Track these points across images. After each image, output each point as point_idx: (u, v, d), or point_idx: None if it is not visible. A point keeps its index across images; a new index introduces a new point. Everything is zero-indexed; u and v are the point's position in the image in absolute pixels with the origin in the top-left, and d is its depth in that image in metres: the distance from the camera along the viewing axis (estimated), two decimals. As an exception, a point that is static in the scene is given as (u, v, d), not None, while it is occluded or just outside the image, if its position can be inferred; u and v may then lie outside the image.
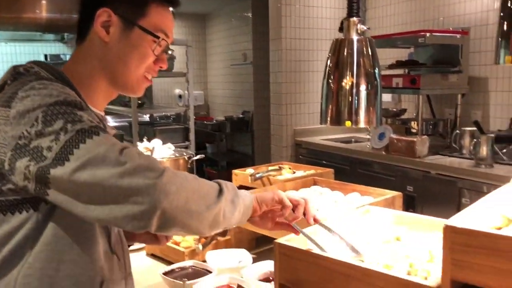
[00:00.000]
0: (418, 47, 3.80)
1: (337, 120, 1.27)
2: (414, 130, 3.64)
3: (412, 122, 3.70)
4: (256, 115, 5.84)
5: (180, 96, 6.61)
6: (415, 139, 3.28)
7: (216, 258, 1.49)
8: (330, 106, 1.28)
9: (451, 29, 3.62)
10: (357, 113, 1.24)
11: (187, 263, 1.46)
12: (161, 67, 1.05)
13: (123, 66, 0.99)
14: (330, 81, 1.27)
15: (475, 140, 2.98)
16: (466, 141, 3.25)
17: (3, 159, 0.81)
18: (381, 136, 3.59)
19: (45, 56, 5.69)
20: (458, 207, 3.01)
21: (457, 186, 2.98)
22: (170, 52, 1.06)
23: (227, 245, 1.62)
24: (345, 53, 1.25)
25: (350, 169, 3.78)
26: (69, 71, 0.98)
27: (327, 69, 1.29)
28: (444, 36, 3.43)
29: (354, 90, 1.23)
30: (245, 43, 5.96)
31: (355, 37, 1.26)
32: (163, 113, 6.00)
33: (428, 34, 3.27)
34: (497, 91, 3.49)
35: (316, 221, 1.13)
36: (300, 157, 4.39)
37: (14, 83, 0.88)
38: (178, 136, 4.11)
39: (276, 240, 1.14)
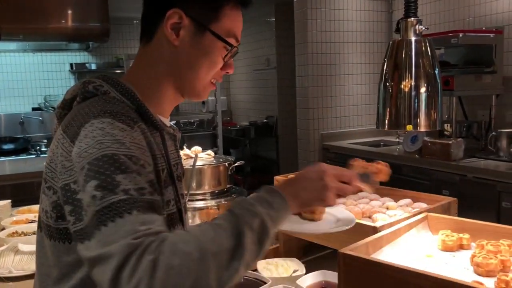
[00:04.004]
0: (448, 48, 3.72)
1: (397, 124, 1.23)
2: (447, 133, 3.56)
3: (445, 125, 3.62)
4: (280, 120, 5.81)
5: (203, 102, 6.60)
6: (450, 142, 3.21)
7: (268, 268, 1.45)
8: (388, 110, 1.23)
9: (484, 28, 3.54)
10: (418, 116, 1.20)
11: (239, 273, 1.43)
12: (227, 72, 1.00)
13: (192, 72, 0.94)
14: (387, 84, 1.23)
15: (515, 142, 2.90)
16: (503, 143, 3.17)
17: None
18: (414, 139, 3.52)
19: (71, 65, 5.75)
20: (498, 211, 2.93)
21: (497, 189, 2.90)
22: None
23: (276, 253, 1.58)
24: (403, 55, 1.21)
25: (381, 173, 3.71)
26: (134, 81, 0.94)
27: (384, 72, 1.25)
28: (477, 36, 3.36)
29: (414, 93, 1.19)
30: (268, 48, 5.94)
31: (413, 38, 1.22)
32: (187, 120, 6.00)
33: (461, 34, 3.21)
34: (534, 91, 3.40)
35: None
36: (327, 162, 4.34)
37: (82, 105, 0.86)
38: (206, 142, 4.09)
39: (340, 250, 1.10)
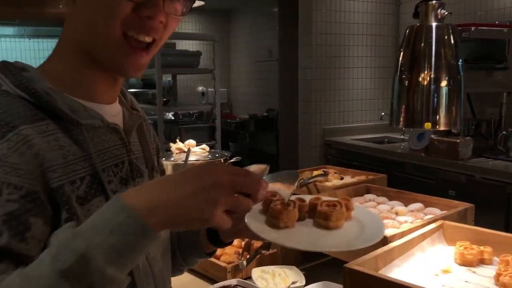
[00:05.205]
0: (458, 42, 3.57)
1: (413, 122, 1.09)
2: (455, 131, 3.42)
3: (453, 122, 3.48)
4: (281, 113, 5.66)
5: (203, 94, 6.46)
6: (458, 140, 3.07)
7: (264, 277, 1.32)
8: (404, 106, 1.09)
9: (497, 22, 3.39)
10: (437, 113, 1.06)
11: (232, 281, 1.30)
12: (149, 17, 0.68)
13: (91, 29, 0.70)
14: (403, 76, 1.09)
15: (528, 142, 2.76)
16: (515, 143, 3.03)
17: None
18: (420, 136, 3.38)
19: (67, 52, 5.62)
20: (508, 215, 2.80)
21: (506, 191, 2.76)
22: None
23: (273, 260, 1.45)
24: (422, 43, 1.07)
25: (385, 171, 3.56)
26: (51, 65, 0.75)
27: (400, 63, 1.11)
28: (490, 30, 3.20)
29: (433, 86, 1.05)
30: (271, 39, 5.79)
31: (434, 24, 1.08)
32: (186, 111, 5.87)
33: (473, 28, 3.05)
34: (547, 89, 3.25)
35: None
36: (329, 158, 4.20)
37: None
38: (204, 135, 3.95)
39: (345, 265, 0.96)
